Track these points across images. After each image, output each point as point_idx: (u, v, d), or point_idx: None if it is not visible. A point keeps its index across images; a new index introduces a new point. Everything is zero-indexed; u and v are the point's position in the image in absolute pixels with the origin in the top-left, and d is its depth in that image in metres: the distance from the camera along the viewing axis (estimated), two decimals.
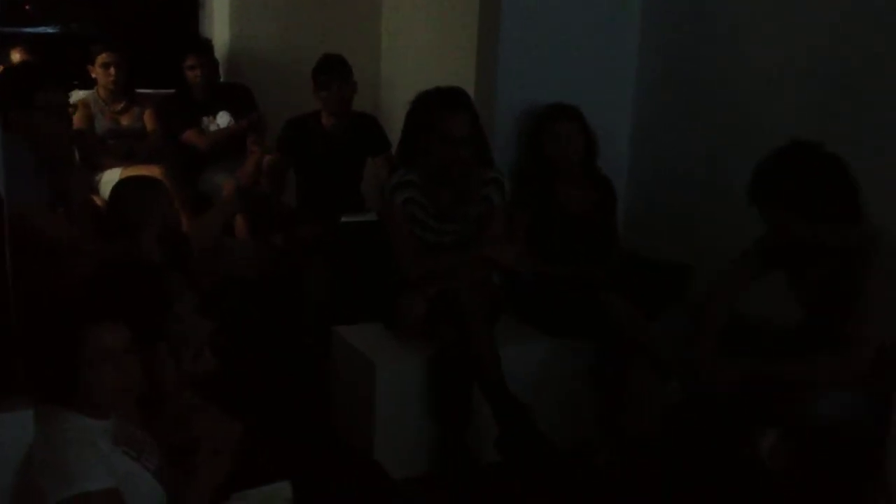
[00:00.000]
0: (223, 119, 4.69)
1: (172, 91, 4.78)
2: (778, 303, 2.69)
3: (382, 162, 4.27)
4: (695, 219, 3.51)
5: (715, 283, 2.76)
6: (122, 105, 4.57)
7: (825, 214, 2.41)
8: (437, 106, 3.01)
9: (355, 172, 4.31)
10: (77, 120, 4.27)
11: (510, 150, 3.49)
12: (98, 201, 4.05)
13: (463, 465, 2.94)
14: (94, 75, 4.53)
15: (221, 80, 4.93)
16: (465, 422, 2.96)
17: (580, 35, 3.56)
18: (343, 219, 4.12)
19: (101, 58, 4.48)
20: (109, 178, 4.24)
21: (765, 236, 2.63)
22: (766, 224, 2.53)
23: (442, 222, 3.13)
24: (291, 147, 4.24)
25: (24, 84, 2.85)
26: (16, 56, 4.79)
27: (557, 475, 3.00)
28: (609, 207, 3.53)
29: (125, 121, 4.58)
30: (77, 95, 4.42)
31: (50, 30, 5.39)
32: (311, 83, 4.19)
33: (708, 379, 2.53)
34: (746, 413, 2.50)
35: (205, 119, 4.68)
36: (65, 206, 2.89)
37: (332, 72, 4.16)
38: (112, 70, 4.47)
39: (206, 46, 4.79)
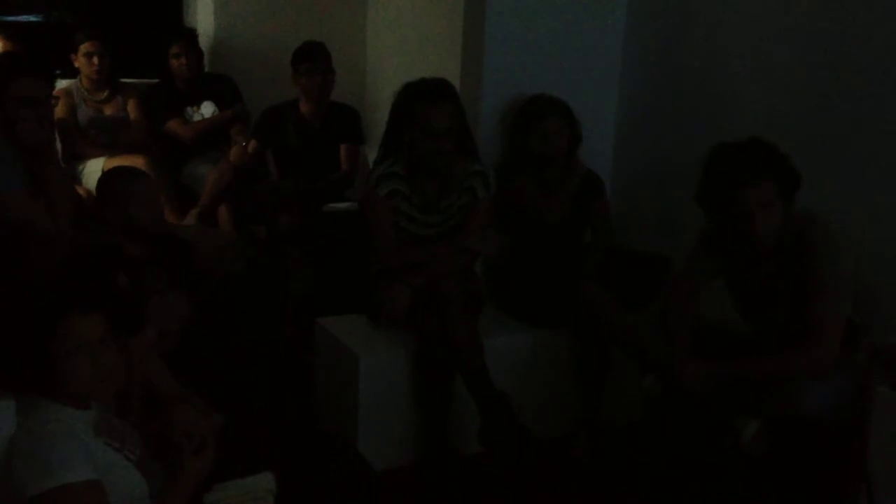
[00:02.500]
0: (207, 109, 4.67)
1: (156, 81, 4.75)
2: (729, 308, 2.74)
3: (344, 154, 4.24)
4: (678, 213, 3.51)
5: (674, 289, 2.77)
6: (105, 94, 4.54)
7: (794, 190, 2.45)
8: (420, 97, 3.00)
9: (333, 161, 4.28)
10: (60, 109, 4.24)
11: (495, 143, 3.49)
12: (81, 191, 4.02)
13: (444, 456, 2.95)
14: (77, 64, 4.49)
15: (206, 70, 4.90)
16: (447, 413, 2.96)
17: (566, 28, 3.55)
18: (325, 208, 4.11)
19: (85, 47, 4.44)
20: (92, 168, 4.22)
21: (705, 235, 2.66)
22: (735, 218, 2.47)
23: (427, 214, 3.13)
24: (268, 135, 4.23)
25: (2, 74, 2.82)
26: None
27: (539, 466, 3.02)
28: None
29: (108, 110, 4.55)
30: (60, 84, 4.39)
31: (32, 18, 5.33)
32: (290, 71, 4.17)
33: (684, 384, 2.54)
34: (728, 403, 2.51)
35: (189, 109, 4.66)
36: (45, 197, 2.87)
37: (312, 60, 4.14)
38: (95, 59, 4.44)
39: (191, 35, 4.76)
